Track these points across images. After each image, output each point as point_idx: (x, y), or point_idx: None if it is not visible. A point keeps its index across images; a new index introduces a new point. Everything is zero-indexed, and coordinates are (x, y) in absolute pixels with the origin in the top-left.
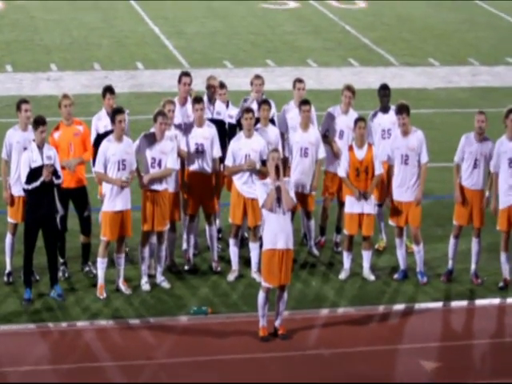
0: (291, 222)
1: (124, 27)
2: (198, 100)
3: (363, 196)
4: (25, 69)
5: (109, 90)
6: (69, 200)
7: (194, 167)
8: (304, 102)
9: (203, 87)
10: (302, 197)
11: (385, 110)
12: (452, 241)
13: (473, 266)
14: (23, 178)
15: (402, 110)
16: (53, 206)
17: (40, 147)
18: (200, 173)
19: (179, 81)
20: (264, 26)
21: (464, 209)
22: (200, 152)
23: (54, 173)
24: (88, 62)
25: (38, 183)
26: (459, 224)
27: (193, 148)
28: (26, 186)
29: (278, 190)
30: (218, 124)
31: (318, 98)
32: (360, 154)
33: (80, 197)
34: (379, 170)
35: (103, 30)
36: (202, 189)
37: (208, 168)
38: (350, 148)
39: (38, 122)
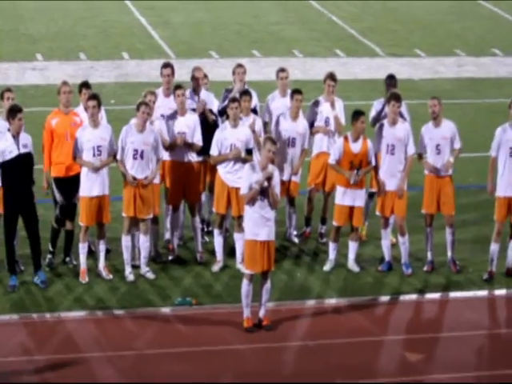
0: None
1: (110, 17)
2: (178, 87)
3: (357, 171)
4: (10, 58)
5: (84, 85)
6: (66, 189)
7: (176, 156)
8: (297, 92)
9: (189, 78)
10: (284, 185)
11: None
12: (427, 230)
13: (449, 254)
14: None
15: (398, 98)
16: (30, 192)
17: (15, 136)
18: (182, 162)
19: (161, 73)
20: (249, 16)
21: (432, 197)
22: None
23: (29, 160)
24: (73, 51)
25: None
26: (428, 212)
27: (175, 137)
28: None
29: (268, 180)
30: (204, 114)
31: (303, 88)
32: (355, 147)
33: (71, 186)
34: (373, 162)
35: (89, 19)
36: (185, 178)
37: (190, 157)
38: (346, 139)
39: (15, 110)
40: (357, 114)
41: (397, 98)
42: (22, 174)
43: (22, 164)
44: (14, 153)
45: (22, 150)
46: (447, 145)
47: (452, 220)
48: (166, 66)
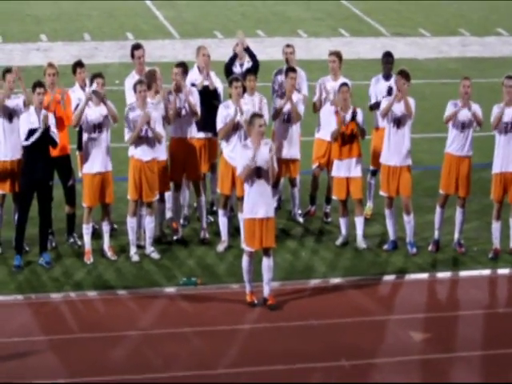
0: (273, 189)
1: None
2: (176, 65)
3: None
4: (15, 39)
5: (79, 64)
6: (53, 169)
7: (176, 133)
8: (291, 70)
9: (193, 57)
10: (285, 163)
11: (387, 77)
12: (438, 210)
13: (456, 235)
14: (22, 136)
15: (408, 76)
16: (48, 171)
17: (37, 111)
18: (183, 139)
19: (132, 54)
20: None
21: (450, 177)
22: (183, 116)
23: (51, 138)
24: (78, 32)
25: (35, 136)
26: (445, 193)
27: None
28: (25, 143)
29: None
30: (211, 94)
31: (307, 68)
32: (346, 116)
33: (64, 166)
34: (360, 125)
35: (93, 0)
36: (185, 155)
37: (190, 134)
38: (337, 113)
39: (35, 85)
40: (339, 86)
41: (406, 76)
42: (41, 147)
43: (42, 137)
44: (35, 125)
45: (43, 125)
46: (471, 124)
47: (464, 201)
48: (138, 47)
